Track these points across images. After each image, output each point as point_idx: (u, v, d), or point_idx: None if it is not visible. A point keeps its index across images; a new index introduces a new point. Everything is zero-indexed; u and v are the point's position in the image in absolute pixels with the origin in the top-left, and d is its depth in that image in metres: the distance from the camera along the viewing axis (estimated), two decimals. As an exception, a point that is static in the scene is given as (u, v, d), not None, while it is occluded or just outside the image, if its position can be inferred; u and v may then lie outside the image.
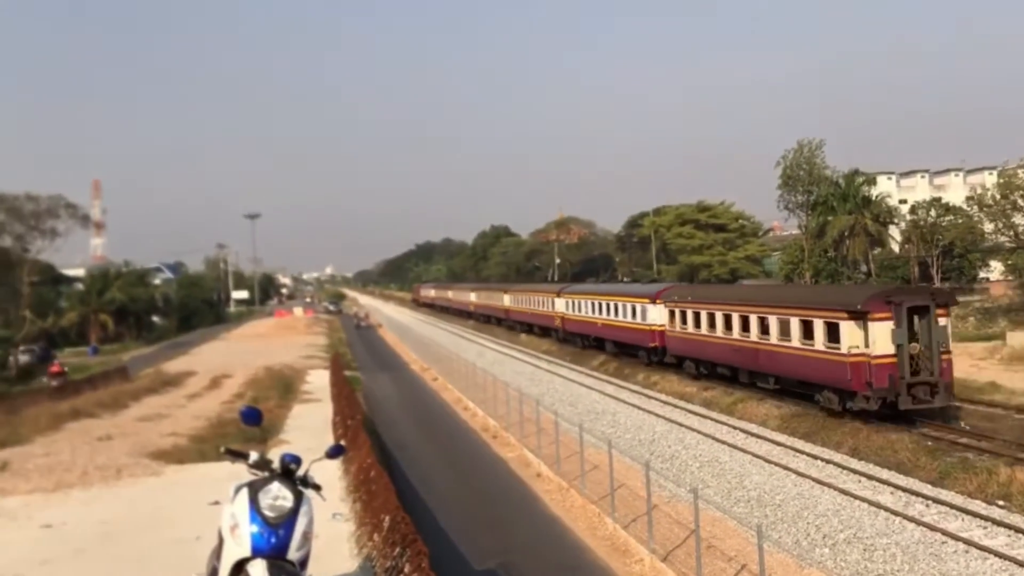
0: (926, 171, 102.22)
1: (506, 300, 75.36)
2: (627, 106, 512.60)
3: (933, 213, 68.64)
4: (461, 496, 21.79)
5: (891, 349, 25.02)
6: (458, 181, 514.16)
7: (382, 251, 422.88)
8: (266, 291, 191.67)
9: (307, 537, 6.39)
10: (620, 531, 17.17)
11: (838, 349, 26.14)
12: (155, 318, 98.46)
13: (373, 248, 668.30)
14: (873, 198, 70.51)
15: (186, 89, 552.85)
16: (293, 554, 6.19)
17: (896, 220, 71.71)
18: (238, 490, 6.46)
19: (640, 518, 17.15)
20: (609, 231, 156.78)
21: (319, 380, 42.75)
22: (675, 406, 32.69)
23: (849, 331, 25.78)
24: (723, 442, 25.76)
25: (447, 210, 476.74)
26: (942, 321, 25.70)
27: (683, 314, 37.88)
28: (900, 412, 25.20)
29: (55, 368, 45.94)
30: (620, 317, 46.01)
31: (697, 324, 36.38)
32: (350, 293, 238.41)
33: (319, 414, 31.48)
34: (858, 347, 25.48)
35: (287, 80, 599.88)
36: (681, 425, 28.78)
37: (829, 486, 20.18)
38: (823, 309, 27.53)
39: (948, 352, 25.66)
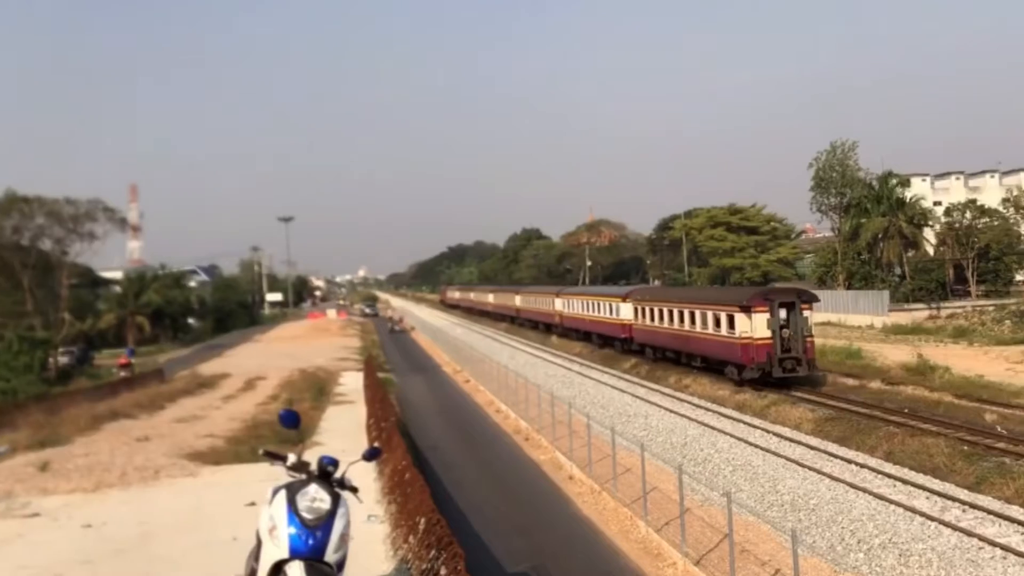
0: (961, 173, 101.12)
1: (517, 300, 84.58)
2: (658, 108, 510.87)
3: (968, 215, 67.99)
4: (493, 498, 21.89)
5: (768, 334, 33.73)
6: (490, 184, 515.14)
7: (414, 254, 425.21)
8: (300, 293, 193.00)
9: (344, 539, 6.42)
10: (653, 534, 17.18)
11: (734, 334, 35.05)
12: (191, 320, 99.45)
13: (405, 251, 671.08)
14: (907, 200, 69.90)
15: (222, 94, 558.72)
16: (331, 556, 6.21)
17: (931, 222, 71.08)
18: (276, 492, 6.48)
19: (673, 521, 17.15)
20: (640, 233, 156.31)
21: (352, 382, 43.04)
22: (707, 409, 32.58)
23: (740, 321, 34.72)
24: (756, 446, 25.66)
25: (479, 213, 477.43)
26: (806, 313, 34.71)
27: (643, 310, 47.00)
28: (772, 382, 33.63)
29: (123, 360, 53.23)
30: (601, 314, 54.99)
31: (652, 318, 45.55)
32: (382, 295, 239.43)
33: (352, 416, 31.71)
34: (746, 332, 34.23)
35: (321, 84, 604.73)
36: (713, 428, 28.70)
37: (863, 491, 20.05)
38: (724, 305, 36.53)
39: (811, 336, 34.79)
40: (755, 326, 34.12)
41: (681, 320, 41.13)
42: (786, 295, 35.99)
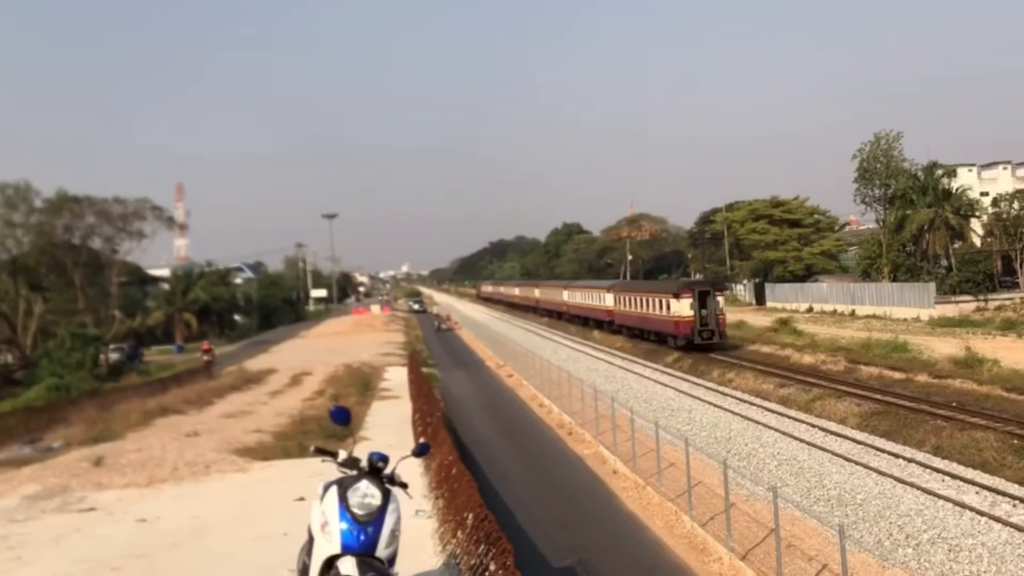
0: (1008, 162, 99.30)
1: (536, 293, 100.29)
2: (698, 100, 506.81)
3: (1016, 205, 66.69)
4: (538, 492, 22.00)
5: (691, 313, 47.37)
6: (531, 179, 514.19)
7: (457, 249, 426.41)
8: (344, 289, 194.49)
9: (395, 535, 6.48)
10: (698, 529, 17.18)
11: (671, 314, 48.94)
12: (237, 317, 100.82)
13: (448, 246, 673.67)
14: (953, 191, 68.79)
15: (266, 93, 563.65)
16: (381, 551, 6.29)
17: (978, 213, 69.85)
18: (327, 488, 6.56)
19: (718, 516, 17.16)
20: (681, 227, 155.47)
21: (397, 377, 43.36)
22: (751, 403, 32.41)
23: (674, 305, 48.58)
24: (801, 440, 25.50)
25: (520, 208, 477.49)
26: (719, 298, 48.13)
27: (620, 299, 61.62)
28: (696, 346, 46.79)
29: (206, 347, 62.58)
30: (593, 302, 70.12)
31: (624, 305, 59.82)
32: (425, 291, 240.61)
33: (398, 411, 31.97)
34: (677, 313, 47.88)
35: (364, 82, 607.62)
36: (758, 423, 28.55)
37: (911, 485, 19.86)
38: (664, 294, 50.95)
39: (722, 314, 48.34)
40: (682, 308, 47.91)
41: (641, 305, 55.41)
42: (703, 285, 50.87)
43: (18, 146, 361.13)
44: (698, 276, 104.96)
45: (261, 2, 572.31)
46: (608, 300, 64.25)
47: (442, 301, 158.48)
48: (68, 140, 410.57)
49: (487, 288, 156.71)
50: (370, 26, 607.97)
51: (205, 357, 58.29)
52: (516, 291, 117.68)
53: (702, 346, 46.77)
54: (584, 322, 72.87)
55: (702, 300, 47.74)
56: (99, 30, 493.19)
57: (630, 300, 58.16)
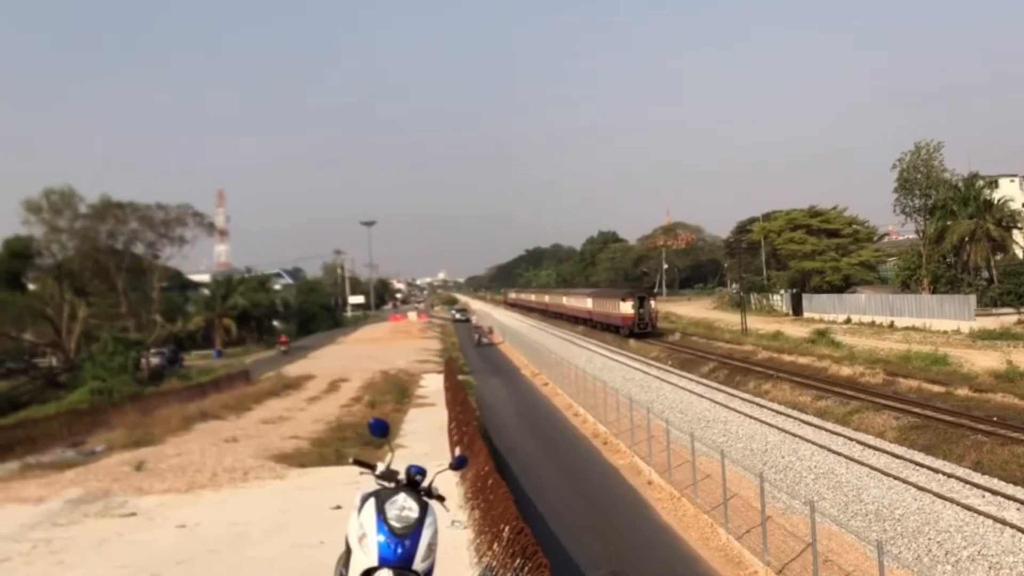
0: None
1: (546, 299, 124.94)
2: (735, 109, 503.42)
3: (1059, 216, 65.61)
4: (573, 502, 22.05)
5: (632, 311, 68.81)
6: (567, 187, 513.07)
7: (493, 257, 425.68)
8: (381, 296, 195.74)
9: (432, 548, 6.46)
10: (733, 542, 17.13)
11: (620, 312, 70.05)
12: (275, 322, 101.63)
13: (485, 254, 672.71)
14: (995, 202, 67.87)
15: (304, 99, 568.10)
16: (418, 564, 6.24)
17: (1020, 224, 68.78)
18: (365, 500, 6.53)
19: (754, 529, 17.09)
20: (718, 236, 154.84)
21: (433, 384, 43.56)
22: (788, 415, 32.20)
23: (622, 306, 69.84)
24: (839, 453, 25.29)
25: (556, 216, 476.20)
26: (652, 302, 71.32)
27: (595, 302, 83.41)
28: (636, 334, 66.69)
29: (283, 339, 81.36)
30: (578, 304, 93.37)
31: (597, 306, 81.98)
32: (461, 298, 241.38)
33: (434, 418, 32.12)
34: (624, 310, 69.10)
35: (403, 90, 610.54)
36: (795, 435, 28.35)
37: (951, 501, 19.64)
38: (616, 298, 72.64)
39: (654, 312, 71.08)
40: (627, 308, 70.33)
41: (604, 307, 78.20)
42: (641, 292, 75.78)
43: (63, 152, 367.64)
44: (734, 286, 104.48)
45: (301, 11, 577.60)
46: (588, 303, 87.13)
47: (478, 308, 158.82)
48: (111, 146, 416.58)
49: (512, 295, 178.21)
50: (409, 34, 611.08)
51: (283, 348, 77.04)
52: (532, 297, 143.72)
53: (639, 333, 68.36)
54: (574, 320, 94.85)
55: (640, 302, 70.72)
56: (145, 38, 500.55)
57: (599, 303, 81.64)
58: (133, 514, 18.55)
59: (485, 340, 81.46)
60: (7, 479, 24.30)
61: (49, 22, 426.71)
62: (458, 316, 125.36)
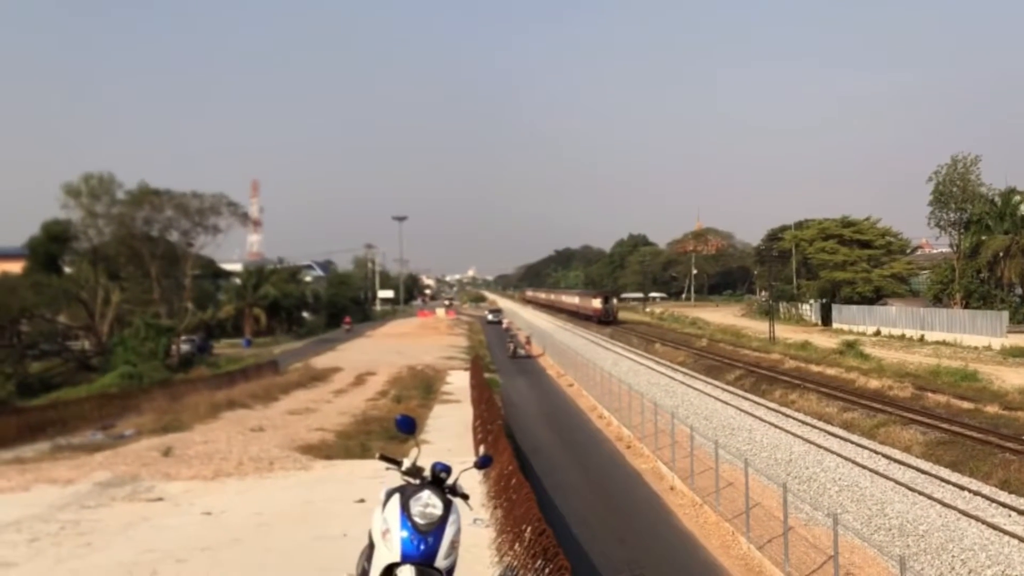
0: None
1: (552, 297, 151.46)
2: (769, 115, 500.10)
3: (1096, 234, 64.64)
4: (594, 505, 22.09)
5: (600, 306, 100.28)
6: (598, 188, 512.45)
7: (523, 256, 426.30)
8: (410, 291, 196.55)
9: (454, 546, 6.48)
10: (754, 551, 17.10)
11: (592, 306, 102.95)
12: (305, 314, 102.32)
13: (514, 253, 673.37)
14: (1032, 217, 66.99)
15: (341, 93, 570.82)
16: (441, 562, 6.28)
17: (1057, 241, 67.82)
18: (390, 495, 6.58)
19: (776, 539, 17.04)
20: (748, 243, 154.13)
21: (459, 381, 43.72)
22: (813, 426, 32.03)
23: (593, 302, 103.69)
24: (864, 466, 25.13)
25: (586, 217, 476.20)
26: (613, 300, 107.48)
27: (581, 299, 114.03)
28: (603, 321, 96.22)
29: (347, 320, 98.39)
30: (569, 301, 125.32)
31: (581, 303, 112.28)
32: (489, 295, 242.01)
33: (459, 415, 32.26)
34: (596, 305, 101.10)
35: (439, 87, 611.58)
36: (820, 446, 28.21)
37: (976, 519, 19.46)
38: (590, 296, 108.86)
39: (616, 308, 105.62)
40: (597, 303, 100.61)
41: (583, 302, 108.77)
42: (606, 292, 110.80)
43: (104, 138, 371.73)
44: (763, 294, 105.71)
45: (337, 4, 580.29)
46: (576, 300, 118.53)
47: (506, 307, 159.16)
48: (151, 134, 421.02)
49: (528, 294, 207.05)
50: (445, 33, 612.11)
51: (347, 327, 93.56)
52: (541, 296, 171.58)
53: (605, 322, 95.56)
54: (567, 313, 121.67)
55: (606, 300, 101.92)
56: (186, 32, 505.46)
57: (581, 300, 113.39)
58: (160, 499, 18.80)
59: (521, 352, 67.15)
60: (38, 460, 24.72)
61: (93, 8, 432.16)
62: (491, 317, 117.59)
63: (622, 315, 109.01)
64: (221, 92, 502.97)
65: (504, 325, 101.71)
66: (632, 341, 74.00)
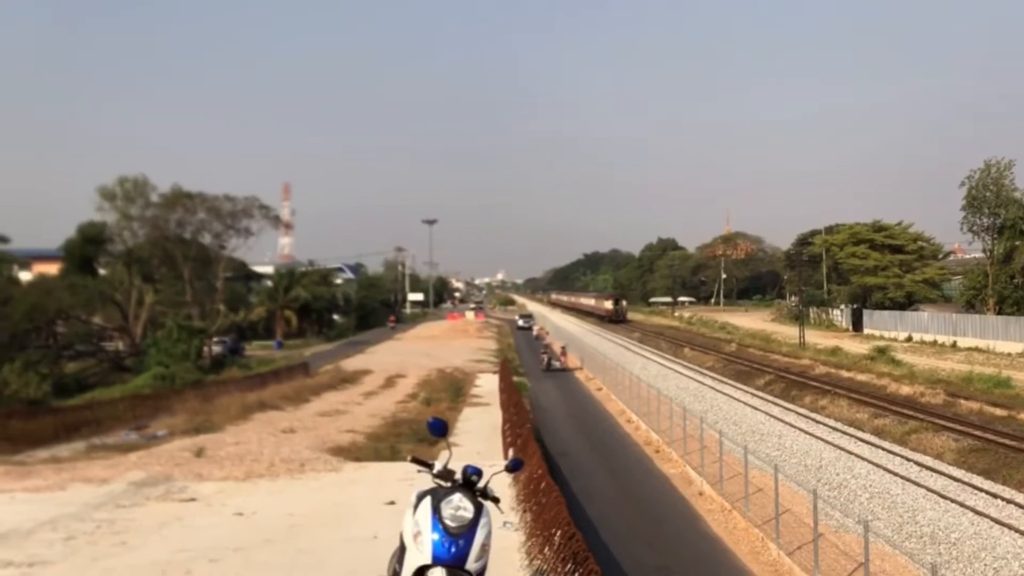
0: None
1: (573, 299, 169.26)
2: (801, 120, 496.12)
3: None
4: (623, 509, 22.09)
5: (612, 307, 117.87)
6: (627, 192, 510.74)
7: (552, 259, 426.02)
8: (440, 294, 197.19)
9: (485, 549, 6.48)
10: (784, 557, 17.05)
11: (604, 307, 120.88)
12: (335, 316, 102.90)
13: (543, 256, 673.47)
14: (1068, 223, 66.16)
15: (373, 97, 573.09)
16: (471, 564, 6.29)
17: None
18: (421, 498, 6.60)
19: (805, 546, 16.99)
20: (778, 248, 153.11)
21: (488, 384, 43.82)
22: (844, 432, 31.82)
23: (606, 303, 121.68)
24: (895, 473, 24.94)
25: (615, 220, 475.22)
26: (623, 301, 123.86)
27: (596, 300, 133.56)
28: (614, 320, 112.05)
29: (392, 319, 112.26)
30: (586, 303, 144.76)
31: (595, 304, 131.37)
32: (518, 299, 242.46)
33: (488, 418, 32.38)
34: (608, 307, 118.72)
35: (470, 91, 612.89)
36: (850, 453, 28.03)
37: (1009, 527, 19.27)
38: (604, 298, 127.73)
39: (625, 308, 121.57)
40: (608, 304, 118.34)
41: (597, 304, 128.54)
42: (617, 295, 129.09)
43: (139, 141, 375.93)
44: (793, 299, 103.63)
45: (370, 10, 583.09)
46: (591, 302, 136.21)
47: (535, 311, 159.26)
48: (185, 137, 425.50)
49: (553, 297, 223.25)
50: (473, 38, 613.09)
51: (391, 325, 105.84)
52: (564, 298, 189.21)
53: (615, 320, 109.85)
54: (584, 313, 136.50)
55: (616, 302, 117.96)
56: (220, 38, 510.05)
57: (596, 302, 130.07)
58: (193, 499, 18.98)
59: (557, 364, 58.73)
60: (74, 459, 25.12)
61: (130, 13, 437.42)
62: (521, 323, 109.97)
63: (648, 320, 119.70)
64: (254, 96, 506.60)
65: (535, 332, 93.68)
66: (660, 345, 73.88)
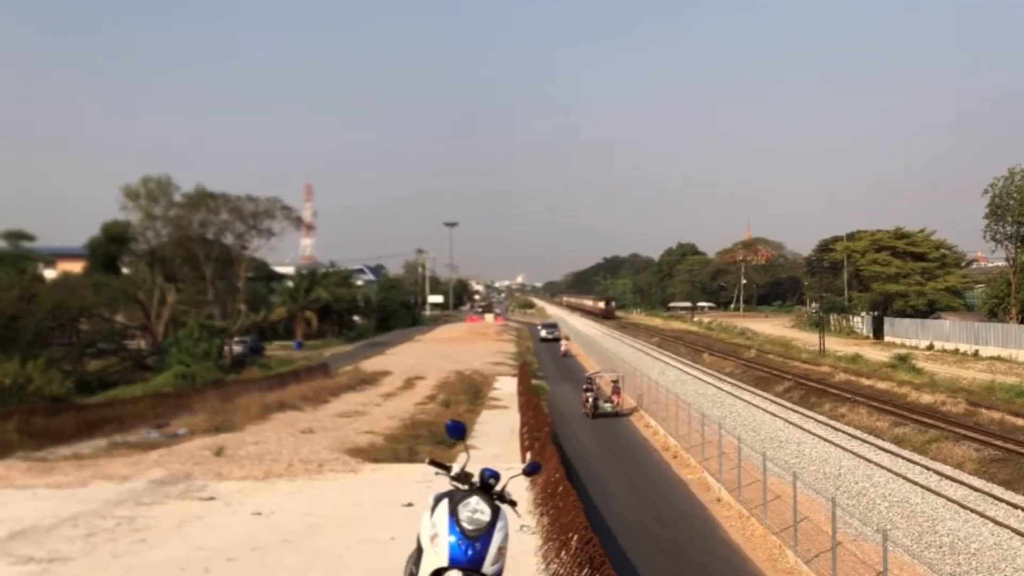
0: None
1: (577, 300, 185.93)
2: (822, 125, 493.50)
3: None
4: (640, 514, 22.08)
5: (604, 307, 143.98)
6: (647, 196, 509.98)
7: (572, 263, 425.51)
8: (460, 296, 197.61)
9: (502, 552, 6.52)
10: (802, 565, 17.00)
11: (597, 307, 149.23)
12: (356, 317, 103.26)
13: (563, 260, 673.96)
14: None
15: (395, 99, 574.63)
16: (488, 568, 6.27)
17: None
18: (438, 500, 6.57)
19: (823, 554, 16.94)
20: (799, 254, 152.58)
21: (507, 387, 43.85)
22: (863, 440, 31.63)
23: (599, 303, 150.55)
24: (915, 482, 24.76)
25: (636, 225, 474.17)
26: (612, 303, 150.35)
27: (593, 301, 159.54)
28: (605, 316, 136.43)
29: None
30: (584, 303, 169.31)
31: (593, 304, 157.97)
32: (538, 302, 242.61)
33: (506, 421, 32.42)
34: (600, 306, 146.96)
35: (492, 94, 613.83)
36: (870, 461, 27.84)
37: (1029, 538, 19.15)
38: (597, 299, 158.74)
39: (614, 307, 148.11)
40: (600, 304, 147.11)
41: (593, 303, 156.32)
42: (607, 298, 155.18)
43: (164, 142, 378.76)
44: (814, 305, 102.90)
45: (394, 12, 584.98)
46: (588, 302, 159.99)
47: (554, 314, 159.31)
48: (209, 138, 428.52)
49: (563, 299, 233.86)
50: (492, 43, 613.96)
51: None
52: (572, 300, 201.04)
53: (606, 316, 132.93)
54: (584, 312, 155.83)
55: (607, 302, 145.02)
56: (242, 42, 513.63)
57: (592, 302, 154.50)
58: (212, 498, 19.16)
59: (607, 406, 39.47)
60: (95, 456, 25.37)
61: (157, 12, 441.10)
62: (544, 333, 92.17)
63: (667, 324, 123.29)
64: (278, 98, 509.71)
65: (563, 348, 75.36)
66: (679, 350, 73.65)
